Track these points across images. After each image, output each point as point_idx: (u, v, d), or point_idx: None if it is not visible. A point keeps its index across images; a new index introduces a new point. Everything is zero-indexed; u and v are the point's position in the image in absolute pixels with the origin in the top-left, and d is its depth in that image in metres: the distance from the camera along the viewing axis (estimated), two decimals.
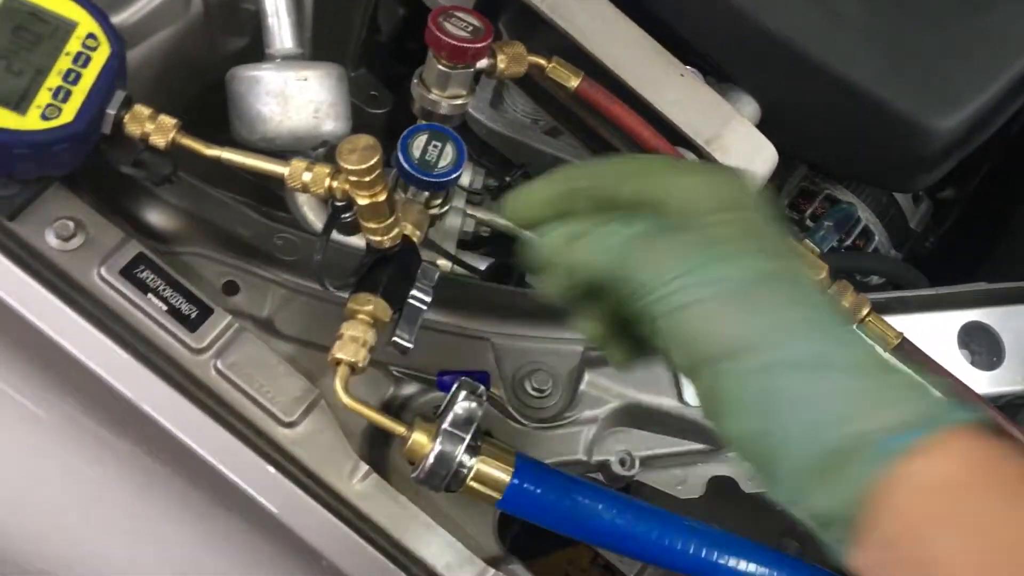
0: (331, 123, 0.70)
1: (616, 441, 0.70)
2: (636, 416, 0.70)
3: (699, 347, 0.43)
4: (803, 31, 0.77)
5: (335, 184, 0.57)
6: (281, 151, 0.70)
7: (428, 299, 0.61)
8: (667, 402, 0.69)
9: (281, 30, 0.71)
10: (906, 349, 0.70)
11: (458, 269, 0.75)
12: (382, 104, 0.90)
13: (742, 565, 0.60)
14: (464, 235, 0.78)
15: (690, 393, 0.69)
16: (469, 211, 0.78)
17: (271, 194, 0.73)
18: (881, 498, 0.37)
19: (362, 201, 0.56)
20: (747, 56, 0.81)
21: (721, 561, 0.60)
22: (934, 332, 0.74)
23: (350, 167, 0.54)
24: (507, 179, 0.80)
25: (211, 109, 0.71)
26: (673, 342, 0.43)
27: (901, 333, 0.70)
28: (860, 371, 0.40)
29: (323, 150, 0.73)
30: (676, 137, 0.77)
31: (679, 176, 0.48)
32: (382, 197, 0.56)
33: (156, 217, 0.65)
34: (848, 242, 0.96)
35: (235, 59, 0.73)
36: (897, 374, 0.41)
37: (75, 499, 0.59)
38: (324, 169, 0.58)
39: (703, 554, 0.60)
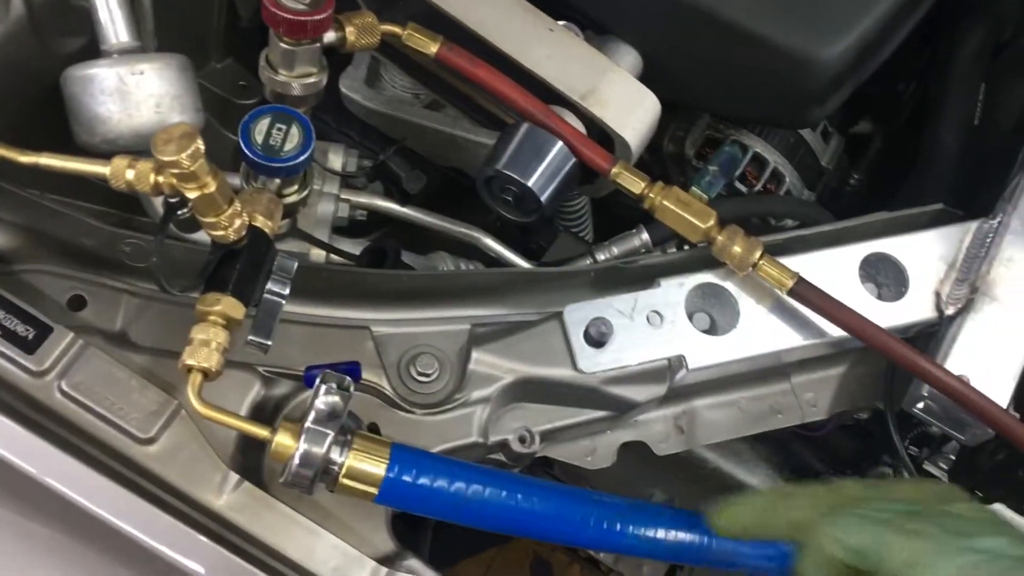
0: (177, 116, 0.66)
1: (513, 419, 0.66)
2: (531, 390, 0.66)
3: None
4: None
5: (161, 179, 0.53)
6: (124, 150, 0.66)
7: (285, 292, 0.57)
8: (562, 372, 0.66)
9: (114, 23, 0.67)
10: (800, 291, 0.67)
11: (334, 257, 0.71)
12: (252, 94, 0.86)
13: (630, 529, 0.57)
14: (339, 221, 0.74)
15: (585, 361, 0.66)
16: (343, 195, 0.74)
17: (132, 199, 0.69)
18: None
19: (191, 194, 0.52)
20: (622, 4, 0.78)
21: (608, 527, 0.57)
22: (835, 269, 0.71)
23: (167, 158, 0.50)
24: (380, 157, 0.76)
25: (55, 115, 0.66)
26: None
27: (796, 273, 0.68)
28: None
29: None
30: (550, 95, 0.73)
31: None
32: (212, 187, 0.52)
33: None
34: (758, 186, 0.93)
35: (71, 60, 0.69)
36: None
37: None
38: (147, 164, 0.54)
39: (591, 523, 0.57)
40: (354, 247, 0.74)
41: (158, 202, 0.65)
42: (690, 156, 0.94)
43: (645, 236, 0.78)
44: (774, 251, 0.70)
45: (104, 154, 0.65)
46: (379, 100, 0.85)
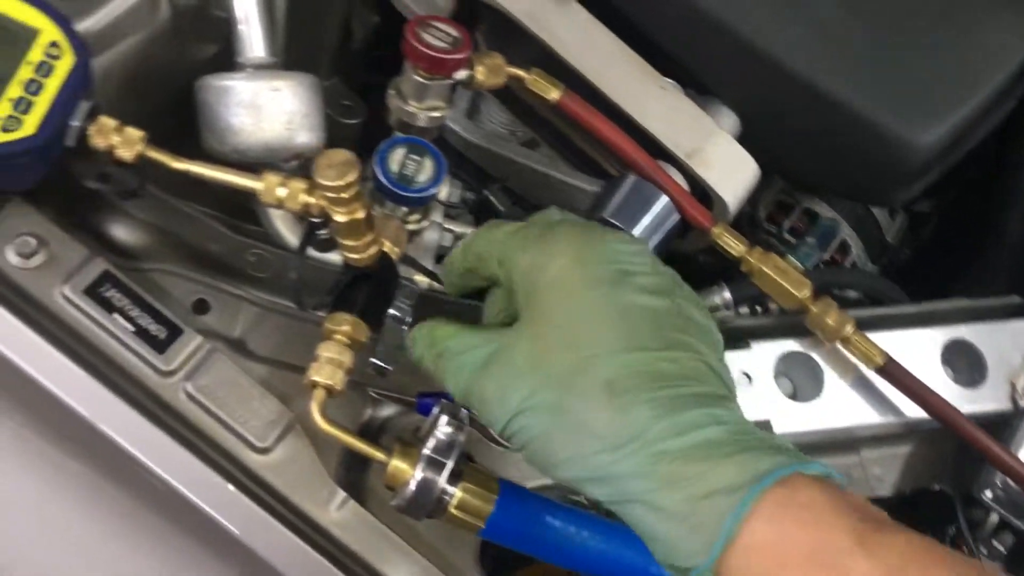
0: (304, 134, 0.68)
1: None
2: None
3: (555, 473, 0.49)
4: (783, 42, 0.76)
5: (311, 200, 0.55)
6: (253, 163, 0.68)
7: (408, 319, 0.59)
8: None
9: (252, 37, 0.69)
10: (890, 370, 0.69)
11: (436, 285, 0.72)
12: (356, 114, 0.88)
13: None
14: (442, 250, 0.75)
15: None
16: (447, 225, 0.76)
17: (242, 206, 0.71)
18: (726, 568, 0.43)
19: (340, 218, 0.54)
20: (727, 68, 0.80)
21: None
22: (917, 350, 0.74)
23: (327, 183, 0.52)
24: (485, 192, 0.78)
25: (181, 117, 0.68)
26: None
27: (886, 353, 0.70)
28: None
29: (296, 162, 0.71)
30: (657, 150, 0.75)
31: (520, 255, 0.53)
32: (361, 214, 0.54)
33: (122, 232, 0.63)
34: (826, 256, 0.95)
35: (206, 66, 0.71)
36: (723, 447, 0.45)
37: (24, 520, 0.57)
38: (299, 184, 0.55)
39: None
40: None
41: (280, 220, 0.66)
42: (761, 218, 0.97)
43: (727, 294, 0.80)
44: (860, 326, 0.72)
45: (230, 162, 0.67)
46: (478, 134, 0.86)
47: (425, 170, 0.62)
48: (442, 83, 0.68)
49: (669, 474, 0.44)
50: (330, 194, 0.53)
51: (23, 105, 0.53)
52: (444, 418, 0.55)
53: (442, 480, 0.54)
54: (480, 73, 0.70)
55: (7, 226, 0.56)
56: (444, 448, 0.54)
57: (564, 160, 0.85)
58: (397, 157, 0.62)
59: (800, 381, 0.73)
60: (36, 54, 0.54)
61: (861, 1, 0.78)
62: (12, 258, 0.56)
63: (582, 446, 0.47)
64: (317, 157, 0.53)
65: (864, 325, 0.74)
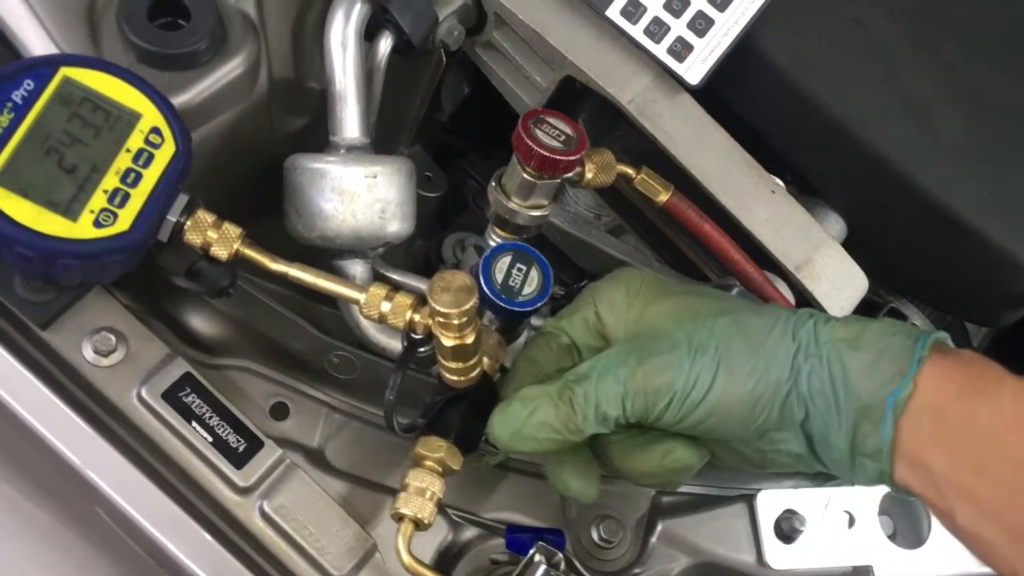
0: (396, 224, 0.64)
1: None
2: (709, 574, 0.63)
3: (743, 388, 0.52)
4: (900, 150, 0.72)
5: (417, 318, 0.51)
6: (338, 249, 0.64)
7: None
8: (745, 560, 0.63)
9: (347, 117, 0.65)
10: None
11: None
12: (436, 187, 0.84)
13: None
14: None
15: (773, 555, 0.63)
16: (532, 322, 0.71)
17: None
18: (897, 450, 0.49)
19: (448, 342, 0.50)
20: (838, 171, 0.76)
21: None
22: None
23: (442, 308, 0.48)
24: (575, 287, 0.74)
25: (259, 192, 0.65)
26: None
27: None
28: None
29: (382, 249, 0.67)
30: (764, 258, 0.71)
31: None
32: (471, 339, 0.50)
33: (201, 323, 0.59)
34: None
35: (292, 139, 0.67)
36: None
37: None
38: (406, 300, 0.51)
39: None
40: None
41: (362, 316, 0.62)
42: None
43: None
44: None
45: (315, 248, 0.63)
46: (563, 216, 0.82)
47: (531, 282, 0.58)
48: (551, 182, 0.64)
49: (853, 330, 0.52)
50: (442, 319, 0.48)
51: (119, 197, 0.49)
52: (542, 568, 0.50)
53: None
54: (590, 171, 0.66)
55: (86, 319, 0.52)
56: None
57: (653, 252, 0.81)
58: (502, 265, 0.58)
59: (900, 522, 0.68)
60: (136, 141, 0.50)
61: (983, 113, 0.74)
62: (89, 355, 0.52)
63: (762, 345, 0.52)
64: (435, 280, 0.48)
65: None
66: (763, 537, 0.63)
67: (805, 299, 0.72)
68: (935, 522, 0.67)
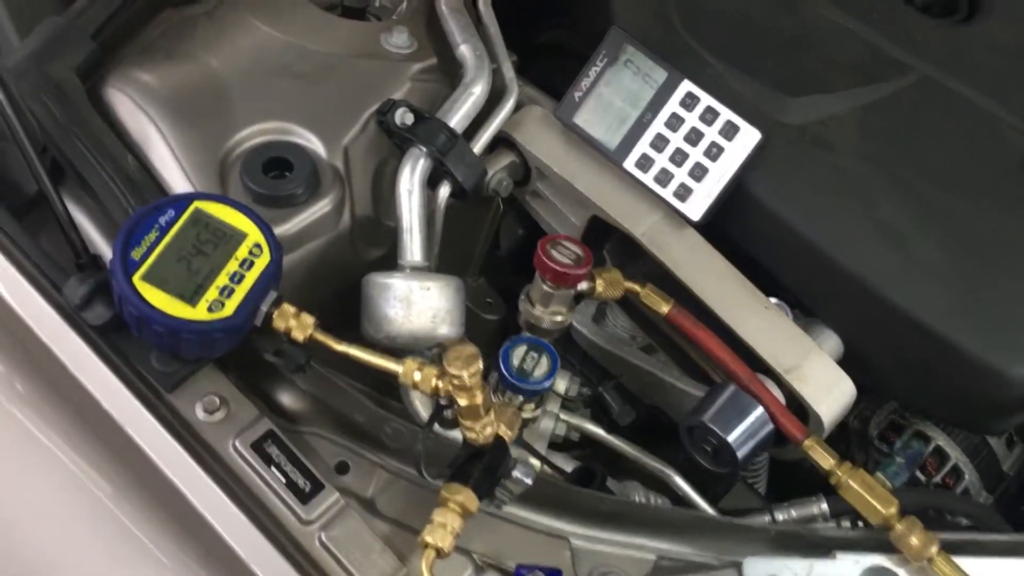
0: (446, 328, 0.80)
1: None
2: None
3: None
4: (876, 271, 0.83)
5: (440, 384, 0.66)
6: (400, 349, 0.80)
7: (505, 501, 0.67)
8: None
9: (412, 245, 0.82)
10: None
11: (547, 468, 0.81)
12: (495, 311, 1.00)
13: None
14: (555, 438, 0.85)
15: None
16: (563, 416, 0.85)
17: (389, 384, 0.82)
18: None
19: (462, 402, 0.64)
20: (827, 293, 0.87)
21: None
22: None
23: (454, 372, 0.63)
24: (600, 388, 0.87)
25: (345, 308, 0.82)
26: None
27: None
28: None
29: (437, 350, 0.82)
30: (757, 364, 0.83)
31: None
32: (479, 400, 0.64)
33: (287, 398, 0.75)
34: (936, 478, 0.97)
35: (372, 266, 0.85)
36: None
37: None
38: (432, 370, 0.67)
39: None
40: (564, 462, 0.84)
41: (417, 399, 0.78)
42: (873, 436, 1.01)
43: (824, 506, 0.84)
44: (948, 549, 0.75)
45: (384, 348, 0.79)
46: (602, 336, 0.96)
47: (541, 366, 0.72)
48: (565, 293, 0.79)
49: None
50: (456, 381, 0.64)
51: (227, 292, 0.67)
52: None
53: None
54: (600, 285, 0.81)
55: (199, 385, 0.70)
56: None
57: (677, 366, 0.94)
58: (519, 353, 0.73)
59: None
60: (242, 252, 0.69)
61: (953, 236, 0.84)
62: (199, 413, 0.69)
63: None
64: (449, 349, 0.64)
65: (955, 549, 0.76)
66: None
67: (796, 400, 0.83)
68: None
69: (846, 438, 1.03)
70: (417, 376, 0.67)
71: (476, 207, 0.96)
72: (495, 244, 1.02)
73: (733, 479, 0.91)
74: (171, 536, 0.67)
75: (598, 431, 0.86)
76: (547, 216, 0.95)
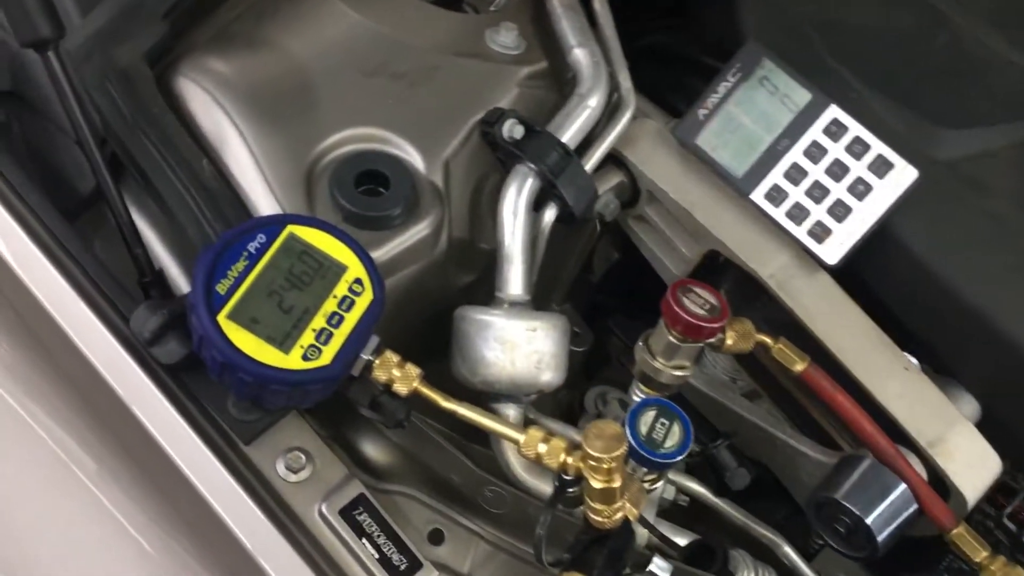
0: (550, 374, 0.71)
1: None
2: None
3: None
4: None
5: (570, 460, 0.57)
6: (495, 393, 0.71)
7: None
8: None
9: (513, 276, 0.73)
10: None
11: (654, 540, 0.72)
12: (583, 342, 0.91)
13: None
14: (663, 503, 0.75)
15: None
16: (671, 477, 0.76)
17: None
18: None
19: (596, 485, 0.55)
20: (973, 355, 0.78)
21: None
22: None
23: (595, 453, 0.53)
24: (712, 447, 0.78)
25: (431, 336, 0.72)
26: None
27: None
28: None
29: (535, 396, 0.73)
30: (897, 434, 0.74)
31: None
32: (617, 483, 0.55)
33: (374, 451, 0.66)
34: None
35: (463, 291, 0.75)
36: None
37: None
38: (560, 443, 0.57)
39: None
40: (671, 532, 0.75)
41: (512, 453, 0.68)
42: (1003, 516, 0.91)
43: None
44: None
45: (476, 391, 0.70)
46: (700, 378, 0.87)
47: (673, 435, 0.63)
48: (693, 346, 0.70)
49: None
50: (593, 463, 0.54)
51: (324, 336, 0.57)
52: None
53: None
54: (730, 338, 0.72)
55: (282, 438, 0.60)
56: None
57: (787, 418, 0.84)
58: (647, 419, 0.63)
59: None
60: (342, 288, 0.59)
61: None
62: (282, 470, 0.60)
63: None
64: (589, 427, 0.54)
65: None
66: None
67: (937, 476, 0.74)
68: None
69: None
70: (542, 448, 0.57)
71: (573, 228, 0.86)
72: (586, 269, 0.92)
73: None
74: None
75: (708, 493, 0.77)
76: (653, 245, 0.85)
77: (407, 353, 0.62)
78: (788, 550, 0.77)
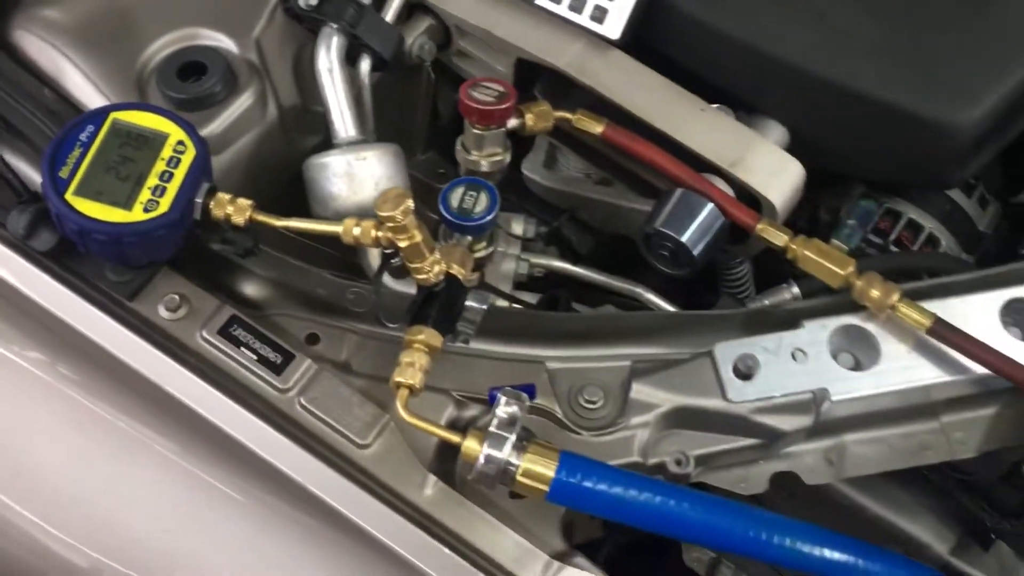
0: None
1: (670, 443, 0.75)
2: (686, 418, 0.75)
3: None
4: (807, 52, 0.83)
5: (379, 234, 0.68)
6: None
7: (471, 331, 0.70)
8: (714, 402, 0.74)
9: (344, 121, 0.83)
10: (939, 331, 0.73)
11: (515, 306, 0.83)
12: (449, 180, 1.01)
13: (787, 542, 0.64)
14: (519, 277, 0.86)
15: (734, 391, 0.74)
16: (523, 256, 0.87)
17: (353, 265, 0.84)
18: None
19: (402, 244, 0.66)
20: (764, 86, 0.87)
21: (766, 538, 0.64)
22: (975, 312, 0.76)
23: (385, 214, 0.64)
24: (555, 223, 0.89)
25: (296, 199, 0.83)
26: None
27: (933, 314, 0.73)
28: None
29: None
30: (702, 165, 0.84)
31: None
32: (418, 238, 0.66)
33: (249, 288, 0.77)
34: (915, 248, 0.98)
35: (311, 153, 0.86)
36: None
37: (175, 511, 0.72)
38: (369, 223, 0.68)
39: (750, 534, 0.65)
40: (532, 299, 0.86)
41: (372, 256, 0.79)
42: (844, 220, 1.01)
43: (795, 290, 0.85)
44: (913, 296, 0.76)
45: None
46: (555, 179, 0.97)
47: (481, 202, 0.74)
48: (496, 132, 0.80)
49: None
50: (389, 224, 0.65)
51: (159, 191, 0.69)
52: (503, 399, 0.65)
53: (506, 452, 0.64)
54: (530, 120, 0.82)
55: (158, 289, 0.72)
56: (506, 424, 0.64)
57: (632, 191, 0.95)
58: (457, 195, 0.74)
59: (860, 354, 0.77)
60: (167, 152, 0.70)
61: (877, 5, 0.84)
62: (163, 313, 0.71)
63: None
64: (377, 197, 0.65)
65: (920, 295, 0.78)
66: (724, 378, 0.74)
67: (746, 192, 0.83)
68: (887, 344, 0.76)
69: (823, 234, 1.04)
70: (357, 231, 0.68)
71: (407, 80, 0.97)
72: (435, 115, 1.03)
73: (713, 297, 0.92)
74: (158, 426, 0.70)
75: (561, 263, 0.88)
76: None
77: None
78: (650, 295, 0.88)
